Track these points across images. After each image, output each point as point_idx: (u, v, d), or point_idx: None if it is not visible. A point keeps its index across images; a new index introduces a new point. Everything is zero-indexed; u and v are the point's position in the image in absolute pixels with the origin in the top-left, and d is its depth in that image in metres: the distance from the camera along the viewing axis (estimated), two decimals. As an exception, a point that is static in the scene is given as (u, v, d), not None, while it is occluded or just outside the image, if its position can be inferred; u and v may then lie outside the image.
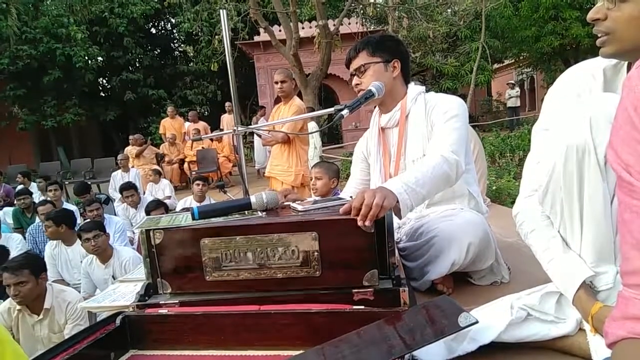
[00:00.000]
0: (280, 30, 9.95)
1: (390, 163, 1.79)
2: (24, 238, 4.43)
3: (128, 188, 5.10)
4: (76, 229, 3.53)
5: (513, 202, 2.15)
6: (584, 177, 0.98)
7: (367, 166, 1.95)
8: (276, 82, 3.74)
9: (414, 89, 1.76)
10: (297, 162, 3.77)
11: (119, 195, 5.33)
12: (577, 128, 0.98)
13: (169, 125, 8.94)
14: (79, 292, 3.07)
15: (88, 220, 3.68)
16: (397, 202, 1.31)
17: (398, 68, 1.73)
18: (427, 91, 1.79)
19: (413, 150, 1.70)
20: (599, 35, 0.98)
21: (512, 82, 15.02)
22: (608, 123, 0.83)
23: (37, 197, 5.93)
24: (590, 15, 0.98)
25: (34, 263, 2.55)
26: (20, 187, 6.51)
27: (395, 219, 1.37)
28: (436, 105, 1.68)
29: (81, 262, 3.32)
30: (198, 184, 4.96)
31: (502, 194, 4.38)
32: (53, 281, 3.49)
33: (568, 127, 1.00)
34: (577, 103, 1.04)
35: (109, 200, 5.04)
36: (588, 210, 1.00)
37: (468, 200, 1.72)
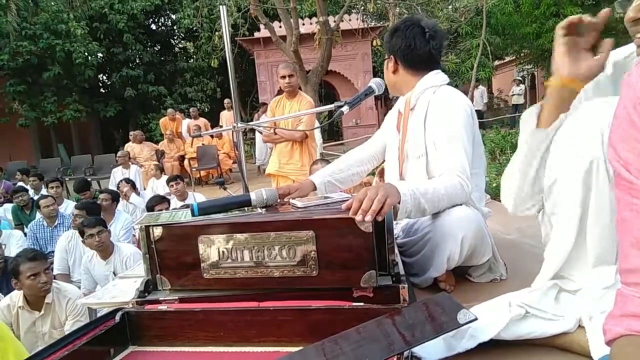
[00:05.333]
0: (280, 27, 9.92)
1: (399, 147, 1.76)
2: (24, 235, 4.44)
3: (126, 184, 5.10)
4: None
5: (513, 199, 2.14)
6: (591, 188, 0.99)
7: (381, 142, 1.91)
8: (283, 77, 3.57)
9: (425, 81, 1.67)
10: (309, 161, 3.57)
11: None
12: (589, 141, 0.97)
13: (169, 125, 9.04)
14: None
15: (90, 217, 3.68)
16: (399, 202, 1.30)
17: (392, 65, 1.72)
18: None
19: (412, 147, 1.68)
20: None
21: (519, 78, 14.74)
22: None
23: (31, 195, 5.88)
24: (631, 15, 0.89)
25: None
26: (19, 184, 6.51)
27: None
28: (438, 108, 1.61)
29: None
30: (172, 185, 4.85)
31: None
32: (56, 275, 3.51)
33: (579, 138, 0.99)
34: (587, 107, 1.01)
35: (119, 196, 4.97)
36: (593, 218, 1.00)
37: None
